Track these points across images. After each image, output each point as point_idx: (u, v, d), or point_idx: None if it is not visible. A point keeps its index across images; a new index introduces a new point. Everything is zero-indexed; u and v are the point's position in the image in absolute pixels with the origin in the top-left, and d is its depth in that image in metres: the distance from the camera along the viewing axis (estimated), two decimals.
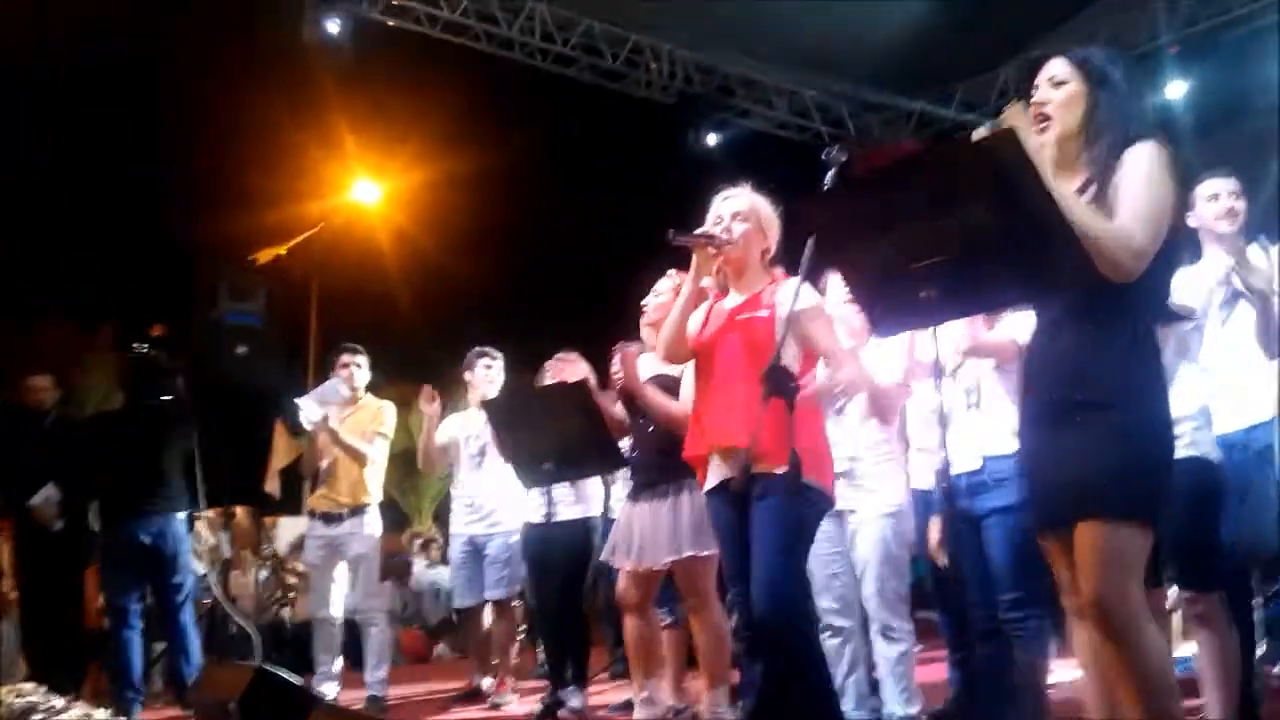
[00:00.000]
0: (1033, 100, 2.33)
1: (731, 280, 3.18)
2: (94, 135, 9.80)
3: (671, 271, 4.01)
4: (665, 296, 3.98)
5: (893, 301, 2.34)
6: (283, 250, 12.14)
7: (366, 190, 12.41)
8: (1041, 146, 2.18)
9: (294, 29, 7.68)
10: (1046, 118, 2.29)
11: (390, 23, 7.88)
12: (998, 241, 2.10)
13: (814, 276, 3.26)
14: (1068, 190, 2.15)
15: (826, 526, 3.62)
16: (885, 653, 3.68)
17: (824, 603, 3.75)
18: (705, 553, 3.63)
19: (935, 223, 2.21)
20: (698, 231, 3.06)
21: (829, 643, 3.78)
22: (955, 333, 3.27)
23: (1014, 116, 2.14)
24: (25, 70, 9.02)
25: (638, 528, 3.84)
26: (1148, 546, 2.14)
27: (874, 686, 3.85)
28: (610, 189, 10.35)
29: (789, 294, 2.85)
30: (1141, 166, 2.16)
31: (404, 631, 8.16)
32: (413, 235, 12.49)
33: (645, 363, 3.90)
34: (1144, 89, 2.36)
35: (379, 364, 5.91)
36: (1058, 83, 2.31)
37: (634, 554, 3.83)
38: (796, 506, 2.69)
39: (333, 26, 7.55)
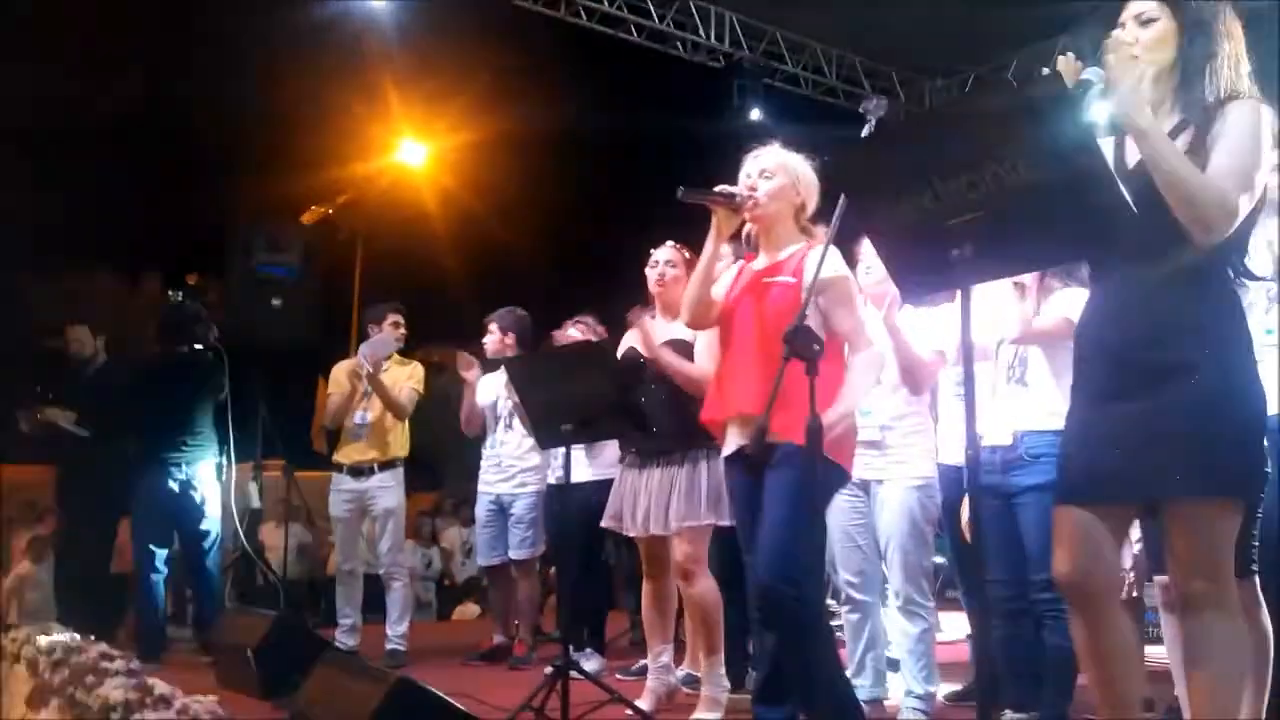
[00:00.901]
0: (1119, 40, 2.18)
1: (761, 241, 3.08)
2: (145, 92, 9.87)
3: (670, 242, 3.94)
4: (666, 268, 3.90)
5: (924, 262, 2.22)
6: (328, 209, 12.23)
7: (412, 151, 12.42)
8: (1139, 83, 2.04)
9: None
10: (1134, 59, 2.15)
11: None
12: (1035, 197, 1.99)
13: (847, 240, 3.15)
14: (1162, 134, 2.02)
15: (850, 497, 3.57)
16: (906, 629, 3.60)
17: (845, 575, 3.68)
18: (722, 523, 3.57)
19: (969, 176, 2.10)
20: (717, 189, 2.95)
21: (848, 617, 3.71)
22: (1002, 316, 3.16)
23: (1117, 44, 2.02)
24: (79, 26, 9.09)
25: (646, 494, 3.77)
26: (1239, 520, 2.02)
27: (893, 664, 3.78)
28: (656, 152, 10.22)
29: (822, 261, 2.75)
30: (1245, 123, 2.03)
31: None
32: (457, 196, 12.49)
33: (657, 328, 3.83)
34: (1239, 34, 2.20)
35: (421, 324, 5.91)
36: (1145, 20, 2.16)
37: (640, 521, 3.77)
38: (810, 479, 2.59)
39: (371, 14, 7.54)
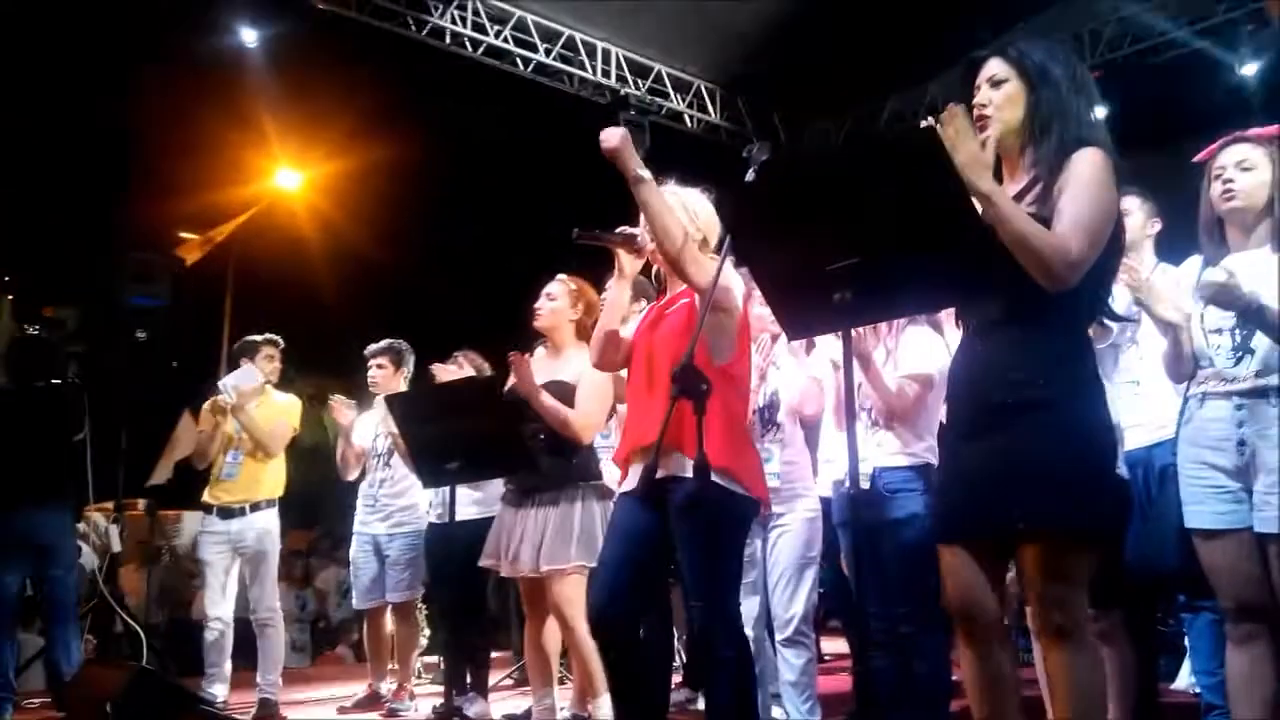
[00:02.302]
0: (974, 102, 2.27)
1: (667, 278, 3.08)
2: (11, 116, 9.36)
3: (562, 276, 3.93)
4: (557, 301, 3.89)
5: (806, 303, 2.27)
6: (207, 240, 11.80)
7: (288, 178, 12.11)
8: (982, 149, 2.12)
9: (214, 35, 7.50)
10: (986, 119, 2.23)
11: (320, 4, 7.63)
12: (911, 243, 2.05)
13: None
14: (1004, 196, 2.09)
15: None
16: (792, 661, 3.63)
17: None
18: (580, 564, 3.56)
19: (849, 223, 2.15)
20: (617, 231, 2.95)
21: None
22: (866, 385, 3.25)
23: (953, 117, 2.08)
24: None
25: (520, 533, 3.73)
26: (1097, 552, 2.10)
27: (774, 697, 3.81)
28: (536, 186, 10.21)
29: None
30: (1085, 173, 2.10)
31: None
32: (334, 223, 12.21)
33: (538, 366, 3.80)
34: (1089, 87, 2.29)
35: (299, 356, 5.70)
36: (996, 82, 2.25)
37: (513, 560, 3.72)
38: (710, 511, 2.59)
39: (249, 38, 7.38)
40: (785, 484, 3.64)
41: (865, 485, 3.19)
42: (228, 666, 5.04)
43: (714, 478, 2.51)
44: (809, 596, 3.65)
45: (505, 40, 8.12)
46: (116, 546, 5.84)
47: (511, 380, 3.79)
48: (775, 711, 3.84)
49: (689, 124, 9.19)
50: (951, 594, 2.19)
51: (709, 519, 2.59)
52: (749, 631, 3.64)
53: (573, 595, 3.61)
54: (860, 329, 3.14)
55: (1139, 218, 3.43)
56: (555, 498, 3.68)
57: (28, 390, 5.04)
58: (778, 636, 3.73)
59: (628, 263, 2.96)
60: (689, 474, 2.51)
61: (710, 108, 9.26)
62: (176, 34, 8.12)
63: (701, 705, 2.87)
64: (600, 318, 3.06)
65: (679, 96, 9.08)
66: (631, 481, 2.89)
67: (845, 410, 2.25)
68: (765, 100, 9.36)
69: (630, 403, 3.00)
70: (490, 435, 3.25)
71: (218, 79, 8.86)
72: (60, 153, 10.10)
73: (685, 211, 2.98)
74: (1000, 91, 2.24)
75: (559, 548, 3.62)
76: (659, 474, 2.59)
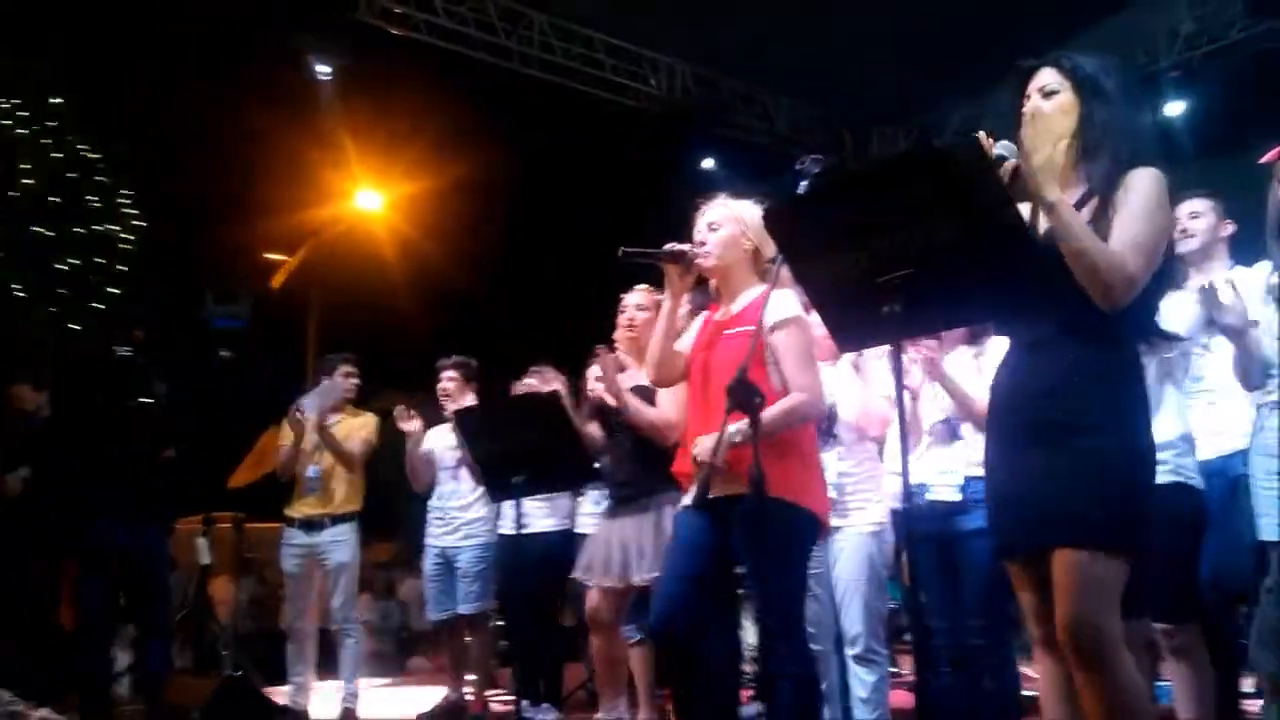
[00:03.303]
0: (1024, 111, 2.26)
1: (721, 291, 3.11)
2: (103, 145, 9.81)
3: (641, 285, 3.96)
4: (636, 312, 3.92)
5: (856, 316, 2.28)
6: (290, 264, 12.16)
7: (369, 198, 12.40)
8: (1052, 156, 2.11)
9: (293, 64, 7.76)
10: (1049, 131, 2.21)
11: (393, 31, 7.85)
12: (960, 256, 2.05)
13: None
14: (1068, 206, 2.08)
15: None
16: (863, 677, 3.61)
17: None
18: None
19: (898, 235, 2.15)
20: (665, 248, 2.99)
21: None
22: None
23: (1036, 118, 2.08)
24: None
25: (617, 543, 3.77)
26: (1125, 575, 2.07)
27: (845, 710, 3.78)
28: (607, 201, 10.31)
29: (772, 304, 2.78)
30: (1143, 192, 2.09)
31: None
32: (413, 242, 12.45)
33: (623, 376, 3.84)
34: (1142, 103, 2.27)
35: (378, 373, 5.86)
36: (1048, 93, 2.24)
37: (614, 570, 3.76)
38: (769, 526, 2.60)
39: (323, 69, 7.64)
40: (844, 497, 3.62)
41: (955, 497, 3.16)
42: (311, 675, 5.19)
43: (772, 493, 2.52)
44: (877, 611, 3.62)
45: (573, 59, 8.24)
46: (206, 559, 6.06)
47: (592, 375, 3.81)
48: None
49: (755, 135, 9.20)
50: (1024, 606, 2.19)
51: (768, 534, 2.61)
52: (816, 646, 3.64)
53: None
54: (929, 348, 3.12)
55: (1210, 220, 3.35)
56: (644, 506, 3.71)
57: (120, 409, 5.27)
58: (848, 652, 3.70)
59: (678, 280, 3.00)
60: (746, 489, 2.53)
61: (776, 119, 9.25)
62: (257, 62, 8.42)
63: None
64: (655, 334, 3.09)
65: (744, 108, 9.10)
66: (689, 496, 2.92)
67: (899, 424, 2.24)
68: (832, 110, 9.32)
69: (690, 419, 3.03)
70: (553, 448, 3.31)
71: (299, 103, 9.13)
72: (147, 179, 10.51)
73: (739, 224, 3.00)
74: (1052, 102, 2.22)
75: (649, 557, 3.64)
76: (718, 491, 2.62)
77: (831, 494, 3.51)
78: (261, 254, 11.79)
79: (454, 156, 10.90)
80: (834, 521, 3.57)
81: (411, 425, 5.14)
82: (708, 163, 8.77)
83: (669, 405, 3.57)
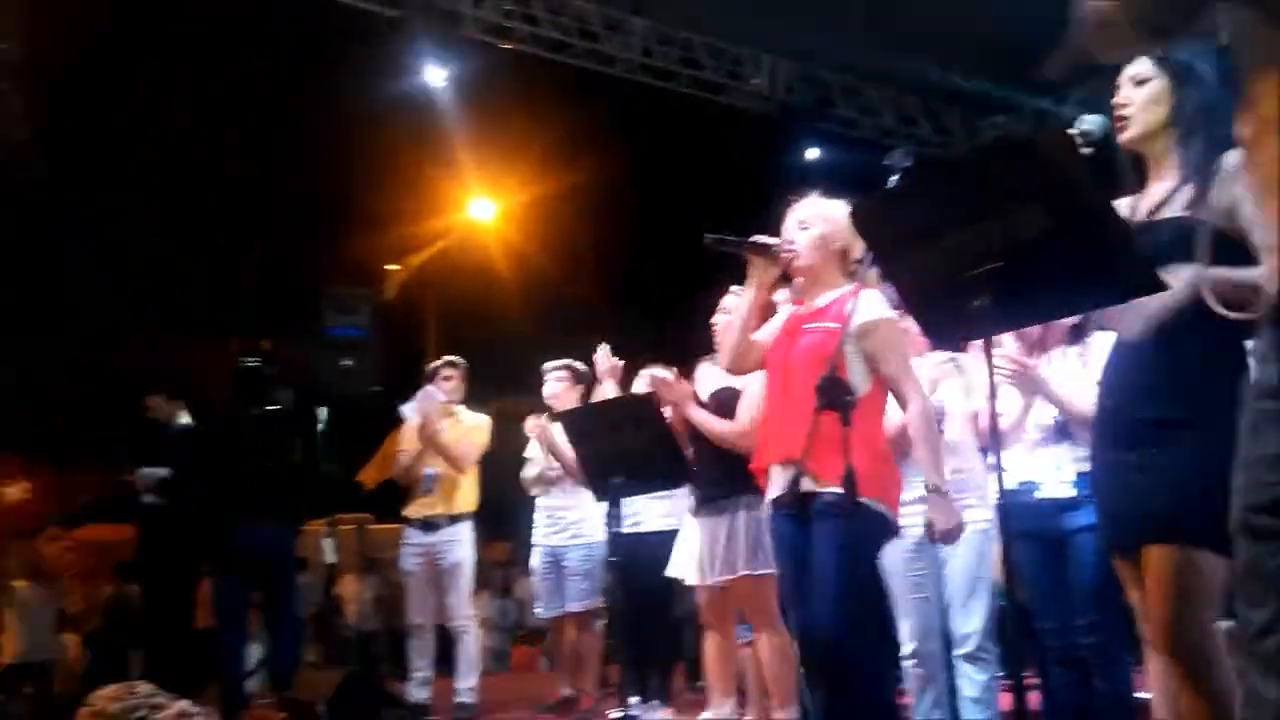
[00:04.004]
0: (1114, 101, 2.21)
1: (806, 288, 3.12)
2: (220, 160, 10.34)
3: (736, 287, 3.97)
4: (726, 315, 3.94)
5: (946, 311, 2.26)
6: (403, 272, 12.58)
7: (482, 207, 12.70)
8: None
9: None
10: (1125, 119, 2.17)
11: (503, 45, 8.04)
12: (1049, 247, 2.01)
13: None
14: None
15: (915, 546, 3.53)
16: (974, 676, 3.54)
17: (910, 626, 3.64)
18: (761, 572, 3.57)
19: (987, 227, 2.12)
20: (752, 240, 3.01)
21: (913, 670, 3.66)
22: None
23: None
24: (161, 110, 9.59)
25: (700, 543, 3.81)
26: (1223, 575, 1.99)
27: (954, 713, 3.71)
28: (711, 202, 10.34)
29: (862, 305, 2.77)
30: None
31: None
32: (525, 250, 12.71)
33: (710, 375, 3.88)
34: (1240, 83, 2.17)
35: (492, 376, 6.02)
36: (1140, 81, 2.18)
37: (696, 570, 3.80)
38: (853, 528, 2.60)
39: (442, 68, 7.85)
40: (957, 493, 3.56)
41: (1069, 492, 3.09)
42: (431, 671, 5.37)
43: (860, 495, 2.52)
44: (988, 610, 3.55)
45: (673, 62, 8.29)
46: (331, 559, 6.34)
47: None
48: None
49: (860, 129, 9.07)
50: (1135, 604, 2.14)
51: (850, 533, 2.60)
52: (920, 646, 3.58)
53: (763, 603, 3.67)
54: (1018, 362, 3.04)
55: None
56: (729, 506, 3.75)
57: (249, 417, 5.57)
58: (956, 652, 3.64)
59: (761, 272, 3.01)
60: (833, 488, 2.53)
61: (881, 111, 9.11)
62: (372, 76, 8.73)
63: None
64: (735, 322, 3.11)
65: (847, 101, 8.99)
66: (772, 493, 2.93)
67: (989, 419, 2.21)
68: (940, 100, 9.13)
69: (770, 413, 3.04)
70: (649, 449, 3.37)
71: (413, 115, 9.42)
72: (263, 194, 10.99)
73: (829, 223, 2.99)
74: (1143, 91, 2.17)
75: (745, 553, 3.67)
76: (804, 488, 2.62)
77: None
78: (380, 264, 12.21)
79: (561, 164, 11.09)
80: None
81: (538, 431, 5.19)
82: (812, 157, 8.69)
83: (745, 412, 3.60)
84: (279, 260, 10.68)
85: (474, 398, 5.69)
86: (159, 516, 5.84)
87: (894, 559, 3.30)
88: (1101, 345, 3.11)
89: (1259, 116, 1.30)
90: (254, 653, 5.95)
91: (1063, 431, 3.21)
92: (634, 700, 4.42)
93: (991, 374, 2.21)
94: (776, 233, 3.06)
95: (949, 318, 2.24)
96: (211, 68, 8.92)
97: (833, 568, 2.67)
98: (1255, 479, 1.34)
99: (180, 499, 5.75)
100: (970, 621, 3.52)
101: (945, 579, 3.59)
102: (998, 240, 2.10)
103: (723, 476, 3.67)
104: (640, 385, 4.86)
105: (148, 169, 9.68)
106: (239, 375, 5.58)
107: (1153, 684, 2.17)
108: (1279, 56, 1.27)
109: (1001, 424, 3.50)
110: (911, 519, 3.02)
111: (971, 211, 2.12)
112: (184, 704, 3.89)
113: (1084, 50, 1.51)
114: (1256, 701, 1.26)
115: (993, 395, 2.22)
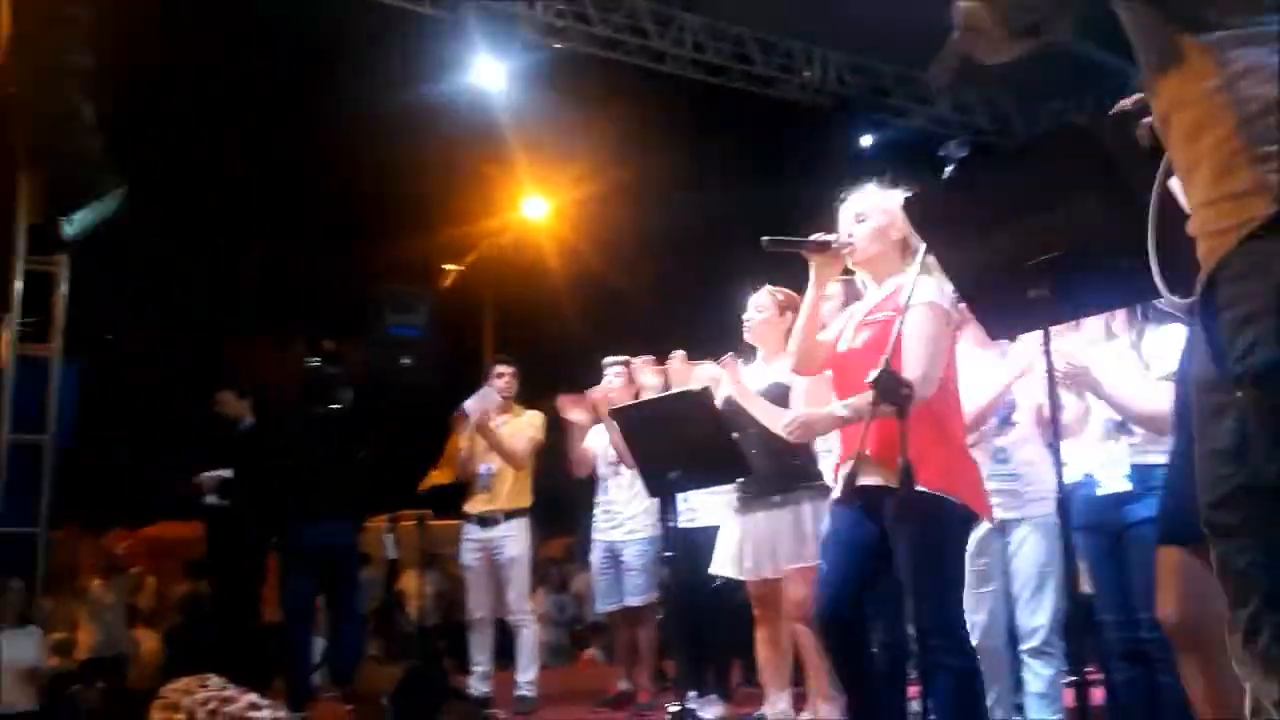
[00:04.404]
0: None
1: (869, 281, 3.09)
2: (280, 161, 10.55)
3: (768, 287, 3.97)
4: (766, 313, 3.93)
5: (1004, 302, 2.23)
6: (459, 269, 12.73)
7: (536, 206, 12.80)
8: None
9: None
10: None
11: (557, 45, 8.09)
12: (1107, 235, 1.98)
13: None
14: None
15: (982, 539, 3.50)
16: (1040, 671, 3.50)
17: (976, 619, 3.59)
18: (810, 565, 3.57)
19: (1045, 216, 2.10)
20: (811, 238, 2.99)
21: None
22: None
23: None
24: (222, 111, 9.80)
25: (752, 538, 3.81)
26: None
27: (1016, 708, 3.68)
28: (769, 196, 10.29)
29: (914, 291, 2.72)
30: None
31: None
32: (578, 248, 12.78)
33: (756, 372, 3.87)
34: None
35: (547, 374, 6.08)
36: None
37: (747, 565, 3.79)
38: (921, 519, 2.57)
39: (494, 67, 7.92)
40: (1025, 486, 3.52)
41: (1124, 486, 3.05)
42: (491, 665, 5.44)
43: (922, 486, 2.50)
44: (1056, 605, 3.50)
45: (724, 57, 8.28)
46: (393, 554, 6.44)
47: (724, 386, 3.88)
48: None
49: (914, 119, 8.97)
50: (1171, 600, 2.08)
51: (920, 528, 2.57)
52: (985, 641, 3.54)
53: (802, 597, 3.66)
54: (1072, 364, 2.98)
55: None
56: (779, 501, 3.74)
57: (313, 416, 5.68)
58: (1022, 646, 3.59)
59: (822, 269, 2.99)
60: (894, 483, 2.51)
61: (937, 100, 9.00)
62: (426, 77, 8.83)
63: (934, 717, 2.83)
64: (798, 324, 3.10)
65: (902, 91, 8.90)
66: (839, 489, 2.91)
67: (1050, 413, 2.18)
68: (998, 86, 8.99)
69: None
70: (704, 444, 3.37)
71: (467, 115, 9.51)
72: (322, 197, 11.17)
73: (887, 214, 2.97)
74: None
75: (797, 547, 3.67)
76: (865, 482, 2.61)
77: (1012, 484, 3.43)
78: (437, 263, 12.36)
79: (614, 161, 11.13)
80: (1013, 513, 3.50)
81: (578, 414, 5.29)
82: (866, 148, 8.62)
83: (798, 403, 3.57)
84: (337, 260, 10.86)
85: (527, 395, 5.75)
86: (226, 515, 5.98)
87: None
88: (1158, 339, 3.06)
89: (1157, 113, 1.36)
90: (318, 647, 6.06)
91: (1122, 428, 3.15)
92: (691, 695, 4.43)
93: (1051, 363, 2.18)
94: (833, 227, 3.04)
95: (1007, 308, 2.22)
96: (271, 70, 9.09)
97: (922, 566, 2.62)
98: (1211, 474, 1.32)
99: (244, 498, 5.88)
100: (1038, 616, 3.48)
101: (1013, 572, 3.55)
102: (1056, 229, 2.08)
103: (773, 470, 3.67)
104: (698, 381, 4.87)
105: (209, 170, 9.90)
106: (304, 375, 5.69)
107: (1189, 686, 2.11)
108: (1173, 54, 1.28)
109: (1064, 417, 3.48)
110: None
111: (1029, 200, 2.10)
112: (253, 696, 3.99)
113: (963, 54, 1.52)
114: (1259, 703, 1.25)
115: (1051, 387, 2.20)
